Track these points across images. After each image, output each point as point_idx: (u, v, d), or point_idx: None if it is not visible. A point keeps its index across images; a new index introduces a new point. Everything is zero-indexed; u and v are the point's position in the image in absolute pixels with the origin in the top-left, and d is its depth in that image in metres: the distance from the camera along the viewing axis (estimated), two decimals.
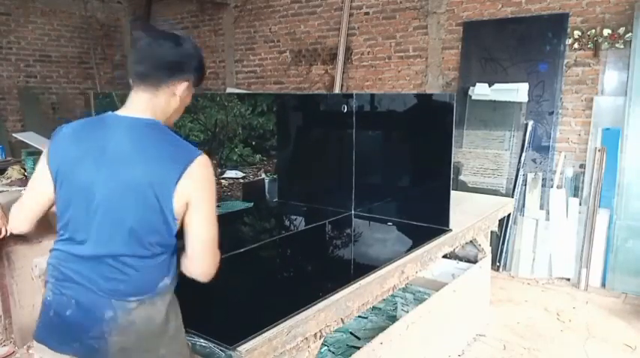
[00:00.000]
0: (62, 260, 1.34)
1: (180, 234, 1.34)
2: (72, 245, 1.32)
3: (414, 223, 2.75)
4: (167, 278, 1.34)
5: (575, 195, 4.15)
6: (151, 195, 1.25)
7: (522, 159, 4.29)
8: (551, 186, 4.20)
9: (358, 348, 2.15)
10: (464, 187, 4.44)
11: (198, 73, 1.41)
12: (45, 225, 1.48)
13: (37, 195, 1.40)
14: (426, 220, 2.71)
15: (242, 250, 2.28)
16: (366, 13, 5.31)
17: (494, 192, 4.26)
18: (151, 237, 1.29)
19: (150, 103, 1.34)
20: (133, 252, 1.29)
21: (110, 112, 1.36)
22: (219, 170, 3.76)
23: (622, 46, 3.93)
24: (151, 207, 1.26)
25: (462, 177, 4.56)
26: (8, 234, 2.53)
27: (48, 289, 1.37)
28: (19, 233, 1.49)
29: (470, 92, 4.50)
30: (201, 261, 1.35)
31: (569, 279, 4.09)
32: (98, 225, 1.28)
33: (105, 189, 1.27)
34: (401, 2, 5.07)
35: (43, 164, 1.36)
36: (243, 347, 1.39)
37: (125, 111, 1.35)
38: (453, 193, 2.68)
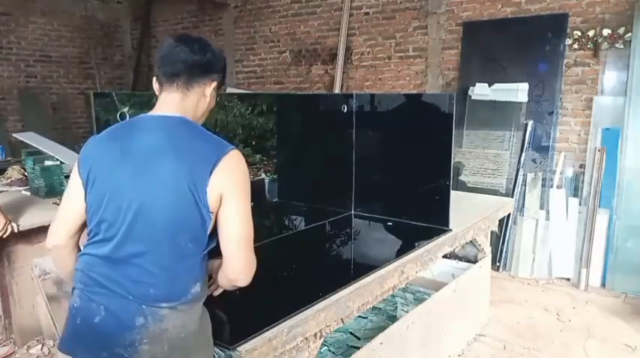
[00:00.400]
0: (91, 264, 1.30)
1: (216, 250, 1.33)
2: (102, 247, 1.29)
3: (414, 223, 2.75)
4: (198, 284, 1.31)
5: (575, 195, 4.15)
6: (185, 188, 1.24)
7: (522, 159, 4.29)
8: (551, 186, 4.20)
9: (358, 348, 2.15)
10: (464, 187, 4.44)
11: (223, 74, 1.45)
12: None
13: (73, 206, 1.36)
14: (426, 220, 2.71)
15: None
16: (366, 13, 5.31)
17: (494, 192, 4.26)
18: (184, 232, 1.26)
19: (181, 103, 1.36)
20: (164, 250, 1.25)
21: (143, 114, 1.37)
22: None
23: (622, 46, 3.93)
24: (185, 200, 1.24)
25: (461, 177, 4.56)
26: (7, 234, 2.54)
27: (75, 295, 1.32)
28: (58, 248, 1.40)
29: (470, 92, 4.50)
30: (237, 258, 1.32)
31: (569, 279, 4.09)
32: (130, 223, 1.25)
33: (137, 186, 1.25)
34: (401, 2, 5.07)
35: (74, 173, 1.35)
36: (243, 347, 1.39)
37: (156, 111, 1.36)
38: (453, 193, 2.68)
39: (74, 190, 1.35)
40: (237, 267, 1.33)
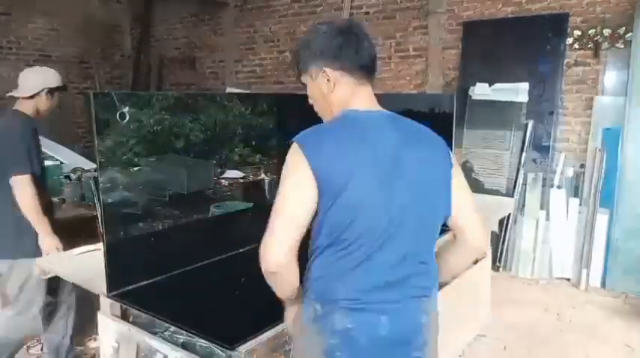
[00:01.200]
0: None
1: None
2: (372, 256, 1.20)
3: None
4: None
5: (575, 195, 4.15)
6: (443, 177, 1.29)
7: (522, 159, 4.29)
8: (552, 186, 4.20)
9: None
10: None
11: None
12: None
13: (302, 213, 1.22)
14: None
15: (242, 250, 2.28)
16: (366, 13, 5.30)
17: (494, 192, 4.26)
18: (441, 218, 1.31)
19: (372, 96, 1.35)
20: (430, 239, 1.30)
21: (350, 110, 1.29)
22: (219, 170, 3.75)
23: (622, 46, 3.93)
24: (444, 186, 1.29)
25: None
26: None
27: (339, 315, 1.20)
28: (283, 267, 1.28)
29: (470, 92, 4.50)
30: (478, 221, 1.34)
31: (569, 279, 4.09)
32: (398, 223, 1.20)
33: (396, 187, 1.20)
34: (401, 2, 5.06)
35: (303, 182, 1.19)
36: (243, 347, 1.40)
37: (366, 106, 1.31)
38: None
39: (308, 192, 1.19)
40: (480, 230, 1.35)
